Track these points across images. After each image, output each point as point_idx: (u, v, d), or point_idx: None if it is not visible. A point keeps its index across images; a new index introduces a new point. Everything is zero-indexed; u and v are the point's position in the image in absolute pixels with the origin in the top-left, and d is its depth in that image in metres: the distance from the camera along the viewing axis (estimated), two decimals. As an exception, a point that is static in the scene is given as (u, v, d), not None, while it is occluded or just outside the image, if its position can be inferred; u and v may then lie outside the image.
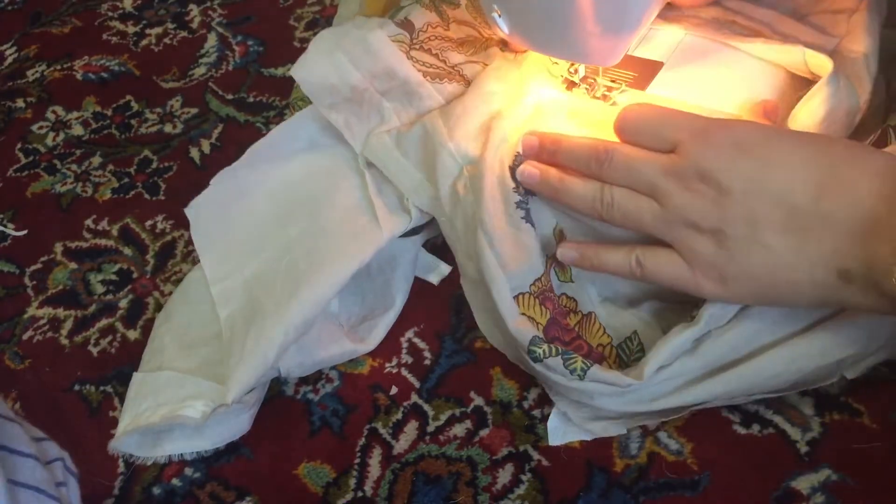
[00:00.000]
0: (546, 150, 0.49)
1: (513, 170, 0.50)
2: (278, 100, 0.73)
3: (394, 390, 0.53)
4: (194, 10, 0.83)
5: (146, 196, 0.67)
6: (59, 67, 0.79)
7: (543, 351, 0.47)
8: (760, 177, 0.42)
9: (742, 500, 0.46)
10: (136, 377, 0.53)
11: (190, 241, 0.59)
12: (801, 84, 0.51)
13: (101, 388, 0.56)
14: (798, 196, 0.41)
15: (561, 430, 0.49)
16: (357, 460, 0.51)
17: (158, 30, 0.82)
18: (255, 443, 0.52)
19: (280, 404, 0.54)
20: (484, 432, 0.51)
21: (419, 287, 0.57)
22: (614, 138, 0.49)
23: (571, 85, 0.54)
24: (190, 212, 0.59)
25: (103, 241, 0.65)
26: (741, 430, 0.49)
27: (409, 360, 0.55)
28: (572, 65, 0.53)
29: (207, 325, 0.54)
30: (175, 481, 0.51)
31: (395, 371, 0.54)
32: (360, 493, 0.49)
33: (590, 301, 0.52)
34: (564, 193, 0.48)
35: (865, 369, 0.46)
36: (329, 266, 0.52)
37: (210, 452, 0.52)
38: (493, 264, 0.49)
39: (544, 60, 0.55)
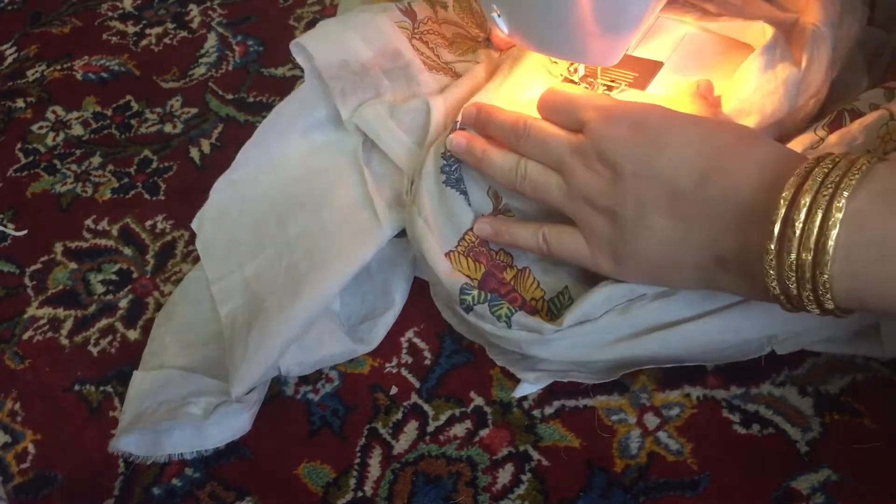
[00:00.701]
0: (481, 121, 0.51)
1: (448, 134, 0.52)
2: (278, 100, 0.72)
3: (394, 390, 0.53)
4: (194, 10, 0.83)
5: (146, 196, 0.67)
6: (59, 67, 0.79)
7: (473, 297, 0.49)
8: (650, 160, 0.43)
9: (742, 500, 0.46)
10: (137, 376, 0.53)
11: (190, 241, 0.59)
12: None
13: (101, 388, 0.56)
14: (683, 181, 0.42)
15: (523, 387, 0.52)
16: (357, 460, 0.51)
17: (158, 30, 0.82)
18: (255, 443, 0.52)
19: (280, 404, 0.54)
20: (484, 432, 0.51)
21: (419, 287, 0.57)
22: None
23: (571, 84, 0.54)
24: (195, 224, 0.59)
25: (103, 241, 0.65)
26: (741, 430, 0.49)
27: (409, 360, 0.55)
28: (572, 64, 0.53)
29: (208, 324, 0.55)
30: (175, 481, 0.51)
31: (395, 371, 0.54)
32: (360, 493, 0.49)
33: (524, 257, 0.53)
34: (486, 164, 0.50)
35: (796, 347, 0.48)
36: (331, 265, 0.53)
37: (210, 452, 0.52)
38: (420, 226, 0.51)
39: (544, 60, 0.55)
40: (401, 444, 0.51)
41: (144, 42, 0.81)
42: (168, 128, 0.72)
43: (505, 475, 0.49)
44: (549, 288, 0.52)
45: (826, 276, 0.36)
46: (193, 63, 0.78)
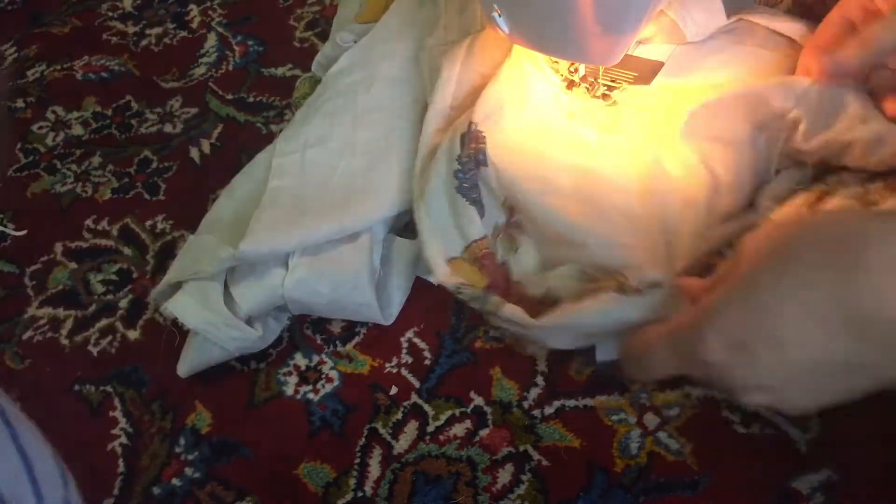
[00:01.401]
0: None
1: (463, 136, 0.51)
2: (278, 100, 0.73)
3: (394, 390, 0.53)
4: (194, 10, 0.83)
5: (146, 196, 0.67)
6: (59, 67, 0.79)
7: (467, 294, 0.49)
8: (785, 361, 0.36)
9: (742, 500, 0.46)
10: (189, 239, 0.56)
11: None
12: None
13: (101, 388, 0.56)
14: (833, 347, 0.35)
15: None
16: (357, 460, 0.51)
17: (158, 30, 0.82)
18: (255, 443, 0.52)
19: (280, 404, 0.54)
20: (484, 432, 0.51)
21: (419, 287, 0.57)
22: (613, 135, 0.50)
23: (571, 84, 0.54)
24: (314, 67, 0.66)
25: (103, 241, 0.65)
26: (741, 430, 0.49)
27: (409, 360, 0.55)
28: (572, 64, 0.53)
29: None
30: (175, 481, 0.51)
31: (395, 371, 0.54)
32: (360, 493, 0.49)
33: (519, 271, 0.52)
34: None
35: None
36: (381, 193, 0.54)
37: (210, 457, 0.52)
38: (427, 226, 0.51)
39: (544, 60, 0.55)
40: (401, 444, 0.51)
41: (144, 42, 0.81)
42: (168, 128, 0.72)
43: (505, 475, 0.49)
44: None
45: None
46: (193, 63, 0.78)
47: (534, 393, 0.52)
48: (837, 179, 0.46)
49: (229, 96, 0.74)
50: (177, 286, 0.53)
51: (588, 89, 0.53)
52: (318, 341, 0.56)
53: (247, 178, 0.58)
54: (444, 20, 0.61)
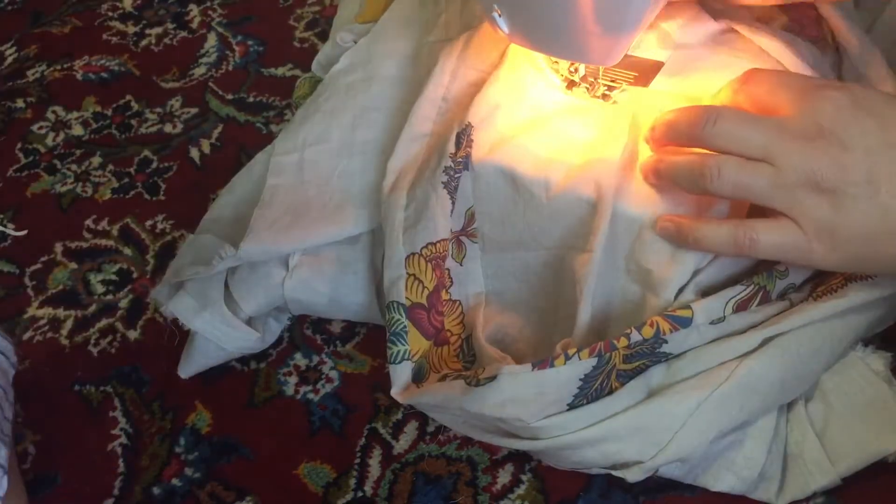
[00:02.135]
0: (650, 140, 0.48)
1: (458, 135, 0.51)
2: (278, 100, 0.73)
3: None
4: (194, 10, 0.83)
5: (146, 196, 0.67)
6: (59, 67, 0.79)
7: (394, 318, 0.47)
8: (884, 136, 0.41)
9: (742, 500, 0.46)
10: (189, 238, 0.56)
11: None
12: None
13: (101, 388, 0.56)
14: None
15: None
16: (357, 460, 0.51)
17: (158, 30, 0.82)
18: (255, 443, 0.52)
19: (280, 404, 0.54)
20: (484, 432, 0.51)
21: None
22: (614, 139, 0.49)
23: (571, 84, 0.54)
24: (315, 67, 0.66)
25: (103, 241, 0.65)
26: (741, 430, 0.49)
27: (409, 360, 0.55)
28: (572, 64, 0.53)
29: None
30: (175, 481, 0.51)
31: (395, 371, 0.54)
32: (360, 493, 0.49)
33: (460, 291, 0.51)
34: (665, 171, 0.46)
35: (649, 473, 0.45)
36: (377, 198, 0.53)
37: (210, 457, 0.52)
38: (398, 219, 0.49)
39: (543, 60, 0.55)
40: (401, 444, 0.51)
41: (144, 42, 0.81)
42: (168, 128, 0.72)
43: (505, 475, 0.49)
44: (468, 328, 0.51)
45: None
46: (193, 63, 0.78)
47: (534, 393, 0.52)
48: None
49: (229, 96, 0.74)
50: (177, 286, 0.53)
51: (588, 89, 0.53)
52: (318, 341, 0.56)
53: (247, 177, 0.58)
54: (444, 17, 0.61)
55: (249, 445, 0.52)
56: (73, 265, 0.63)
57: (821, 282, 0.47)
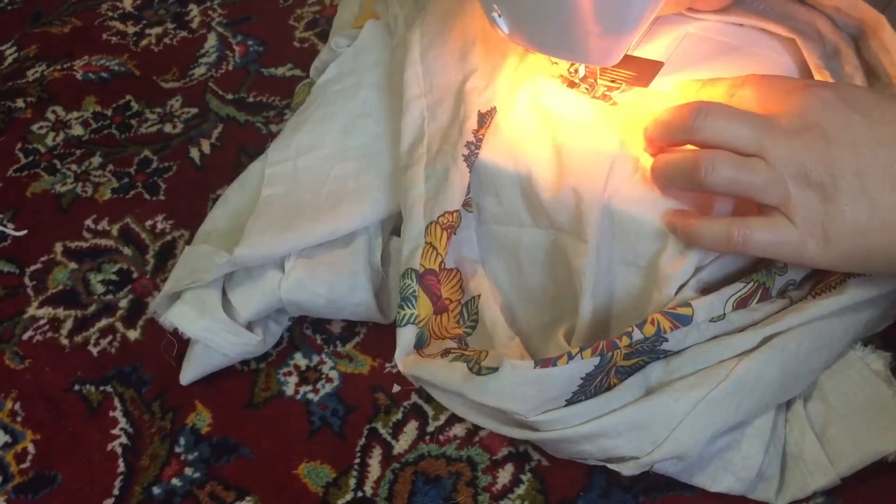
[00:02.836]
0: (646, 142, 0.48)
1: (481, 115, 0.52)
2: (278, 100, 0.73)
3: (396, 388, 0.53)
4: (194, 10, 0.83)
5: (146, 196, 0.67)
6: (59, 67, 0.79)
7: (407, 283, 0.48)
8: (869, 129, 0.41)
9: (742, 499, 0.46)
10: (185, 250, 0.56)
11: (190, 241, 0.59)
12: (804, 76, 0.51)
13: (101, 388, 0.56)
14: None
15: None
16: (357, 460, 0.51)
17: (158, 30, 0.82)
18: (255, 443, 0.52)
19: (280, 404, 0.54)
20: (484, 432, 0.51)
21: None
22: (616, 138, 0.49)
23: (571, 84, 0.54)
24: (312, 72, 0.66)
25: (103, 241, 0.65)
26: (741, 430, 0.49)
27: (409, 360, 0.55)
28: (572, 64, 0.53)
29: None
30: (175, 481, 0.51)
31: (395, 371, 0.54)
32: (359, 493, 0.49)
33: (457, 256, 0.52)
34: (660, 169, 0.46)
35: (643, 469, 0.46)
36: (373, 194, 0.54)
37: (210, 457, 0.52)
38: (419, 190, 0.51)
39: (543, 59, 0.55)
40: (401, 444, 0.51)
41: (144, 42, 0.81)
42: (168, 128, 0.72)
43: (505, 475, 0.49)
44: (467, 293, 0.52)
45: None
46: (193, 63, 0.78)
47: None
48: None
49: (229, 96, 0.74)
50: (175, 296, 0.53)
51: (588, 89, 0.53)
52: (318, 341, 0.57)
53: (240, 187, 0.59)
54: (401, 15, 0.62)
55: (249, 445, 0.52)
56: (73, 265, 0.63)
57: (820, 279, 0.47)
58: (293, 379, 0.55)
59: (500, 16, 0.49)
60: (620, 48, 0.48)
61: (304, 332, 0.57)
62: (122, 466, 0.52)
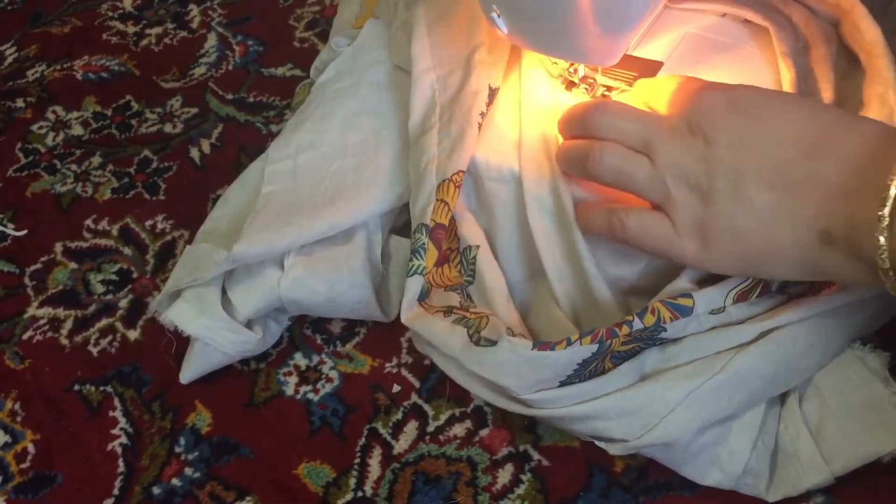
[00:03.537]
0: (560, 130, 0.50)
1: (491, 90, 0.53)
2: (278, 99, 0.73)
3: (396, 388, 0.53)
4: (194, 10, 0.83)
5: (146, 196, 0.67)
6: (59, 67, 0.79)
7: (418, 237, 0.49)
8: (749, 130, 0.41)
9: (742, 499, 0.46)
10: (186, 249, 0.56)
11: (190, 241, 0.59)
12: None
13: (101, 388, 0.56)
14: (787, 151, 0.40)
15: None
16: (357, 460, 0.51)
17: (158, 30, 0.82)
18: (255, 443, 0.52)
19: (280, 404, 0.54)
20: (484, 432, 0.51)
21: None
22: None
23: (571, 85, 0.54)
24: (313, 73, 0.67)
25: (103, 241, 0.65)
26: (741, 430, 0.49)
27: (409, 360, 0.55)
28: (572, 64, 0.53)
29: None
30: (175, 481, 0.51)
31: (395, 371, 0.54)
32: (359, 493, 0.49)
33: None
34: (559, 156, 0.48)
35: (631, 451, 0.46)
36: (371, 189, 0.54)
37: (210, 457, 0.52)
38: (432, 153, 0.51)
39: (542, 59, 0.55)
40: (401, 444, 0.51)
41: (144, 42, 0.81)
42: (168, 128, 0.72)
43: (505, 475, 0.49)
44: (463, 240, 0.52)
45: None
46: (193, 63, 0.78)
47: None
48: None
49: (229, 96, 0.74)
50: (176, 295, 0.53)
51: (587, 90, 0.53)
52: (318, 341, 0.57)
53: (240, 186, 0.59)
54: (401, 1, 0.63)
55: (249, 445, 0.52)
56: (73, 265, 0.63)
57: None
58: (293, 379, 0.55)
59: (499, 16, 0.49)
60: (620, 48, 0.48)
61: (304, 331, 0.57)
62: (122, 466, 0.52)
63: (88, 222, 0.66)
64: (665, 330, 0.44)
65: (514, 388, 0.45)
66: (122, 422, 0.54)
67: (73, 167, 0.70)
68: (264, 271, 0.53)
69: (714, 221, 0.42)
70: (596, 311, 0.49)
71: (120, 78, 0.78)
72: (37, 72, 0.79)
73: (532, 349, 0.44)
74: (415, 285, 0.49)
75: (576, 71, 0.53)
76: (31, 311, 0.61)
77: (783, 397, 0.47)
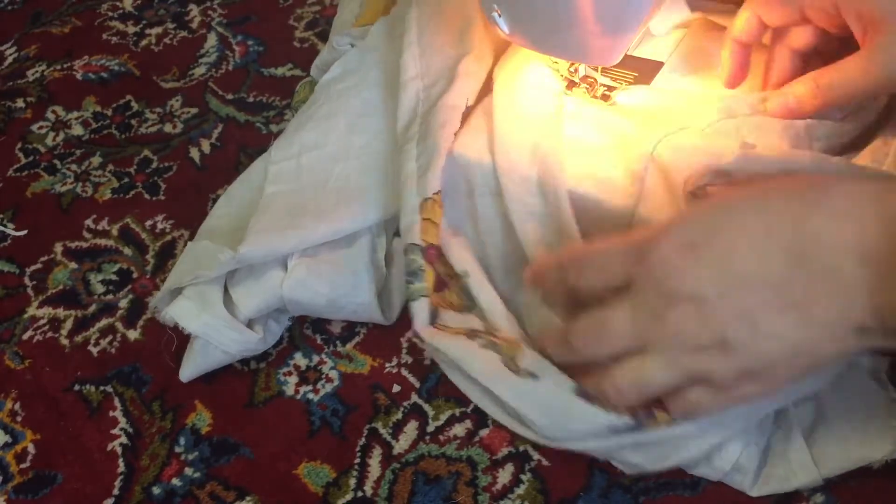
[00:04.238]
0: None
1: (468, 108, 0.53)
2: (278, 100, 0.73)
3: (396, 388, 0.53)
4: (194, 10, 0.83)
5: (146, 196, 0.67)
6: (59, 67, 0.79)
7: (412, 258, 0.49)
8: (727, 271, 0.38)
9: (742, 499, 0.46)
10: (188, 246, 0.56)
11: (191, 241, 0.59)
12: None
13: (101, 388, 0.56)
14: (777, 271, 0.37)
15: None
16: (357, 460, 0.51)
17: (158, 30, 0.82)
18: (255, 443, 0.52)
19: (280, 404, 0.54)
20: (484, 432, 0.51)
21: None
22: (614, 135, 0.49)
23: (571, 85, 0.54)
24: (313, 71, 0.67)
25: (103, 241, 0.65)
26: (741, 430, 0.49)
27: (409, 360, 0.55)
28: (572, 64, 0.53)
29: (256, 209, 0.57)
30: (175, 481, 0.51)
31: (395, 371, 0.54)
32: (359, 493, 0.49)
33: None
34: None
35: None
36: (376, 193, 0.54)
37: (210, 457, 0.52)
38: (410, 168, 0.51)
39: (543, 59, 0.55)
40: (401, 444, 0.51)
41: (144, 42, 0.81)
42: (168, 128, 0.72)
43: (505, 475, 0.49)
44: (454, 265, 0.52)
45: None
46: (193, 63, 0.78)
47: (534, 393, 0.52)
48: None
49: (229, 96, 0.74)
50: (176, 293, 0.53)
51: (588, 90, 0.53)
52: (318, 341, 0.57)
53: (243, 184, 0.59)
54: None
55: (249, 445, 0.52)
56: (73, 265, 0.63)
57: None
58: (293, 379, 0.55)
59: (500, 16, 0.49)
60: (621, 48, 0.48)
61: (304, 332, 0.57)
62: (122, 466, 0.52)
63: (88, 222, 0.66)
64: None
65: (541, 428, 0.45)
66: (122, 422, 0.54)
67: (73, 167, 0.70)
68: (267, 271, 0.53)
69: (749, 364, 0.39)
70: None
71: (120, 78, 0.78)
72: (37, 72, 0.79)
73: (573, 392, 0.43)
74: (422, 309, 0.48)
75: (576, 71, 0.53)
76: (31, 311, 0.61)
77: None
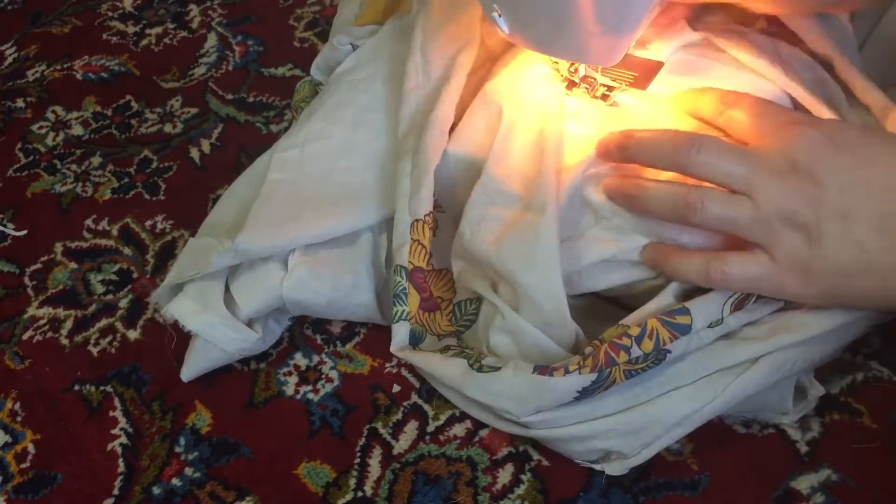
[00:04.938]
0: (624, 148, 0.47)
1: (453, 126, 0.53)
2: (278, 100, 0.73)
3: (396, 388, 0.53)
4: (194, 10, 0.83)
5: (146, 196, 0.67)
6: (59, 67, 0.79)
7: (397, 280, 0.50)
8: (857, 174, 0.41)
9: (742, 500, 0.46)
10: (189, 241, 0.55)
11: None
12: None
13: (101, 388, 0.56)
14: (894, 198, 0.40)
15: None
16: (357, 460, 0.51)
17: (158, 30, 0.82)
18: (255, 443, 0.52)
19: (280, 404, 0.54)
20: (484, 432, 0.51)
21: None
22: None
23: (571, 85, 0.54)
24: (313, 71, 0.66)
25: (103, 241, 0.65)
26: (741, 430, 0.49)
27: (409, 360, 0.55)
28: (572, 64, 0.53)
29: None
30: (175, 481, 0.51)
31: (394, 371, 0.54)
32: (359, 493, 0.49)
33: (443, 259, 0.53)
34: (643, 200, 0.46)
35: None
36: (379, 193, 0.54)
37: (210, 457, 0.52)
38: (405, 186, 0.51)
39: (543, 59, 0.55)
40: (401, 444, 0.51)
41: (144, 42, 0.81)
42: (168, 128, 0.72)
43: (505, 475, 0.49)
44: (460, 293, 0.52)
45: None
46: (193, 63, 0.78)
47: (534, 393, 0.52)
48: None
49: (229, 96, 0.74)
50: (177, 289, 0.53)
51: (588, 89, 0.53)
52: (318, 341, 0.57)
53: (248, 179, 0.58)
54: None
55: (249, 445, 0.52)
56: (73, 265, 0.63)
57: None
58: (293, 379, 0.55)
59: (500, 15, 0.49)
60: (621, 48, 0.48)
61: (304, 332, 0.57)
62: (122, 466, 0.52)
63: (88, 222, 0.66)
64: (669, 352, 0.44)
65: (515, 412, 0.46)
66: (122, 422, 0.54)
67: (73, 167, 0.70)
68: (268, 270, 0.53)
69: (821, 262, 0.42)
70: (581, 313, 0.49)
71: (120, 78, 0.78)
72: (37, 72, 0.79)
73: (532, 372, 0.44)
74: (402, 331, 0.50)
75: (576, 70, 0.53)
76: (31, 311, 0.61)
77: None
